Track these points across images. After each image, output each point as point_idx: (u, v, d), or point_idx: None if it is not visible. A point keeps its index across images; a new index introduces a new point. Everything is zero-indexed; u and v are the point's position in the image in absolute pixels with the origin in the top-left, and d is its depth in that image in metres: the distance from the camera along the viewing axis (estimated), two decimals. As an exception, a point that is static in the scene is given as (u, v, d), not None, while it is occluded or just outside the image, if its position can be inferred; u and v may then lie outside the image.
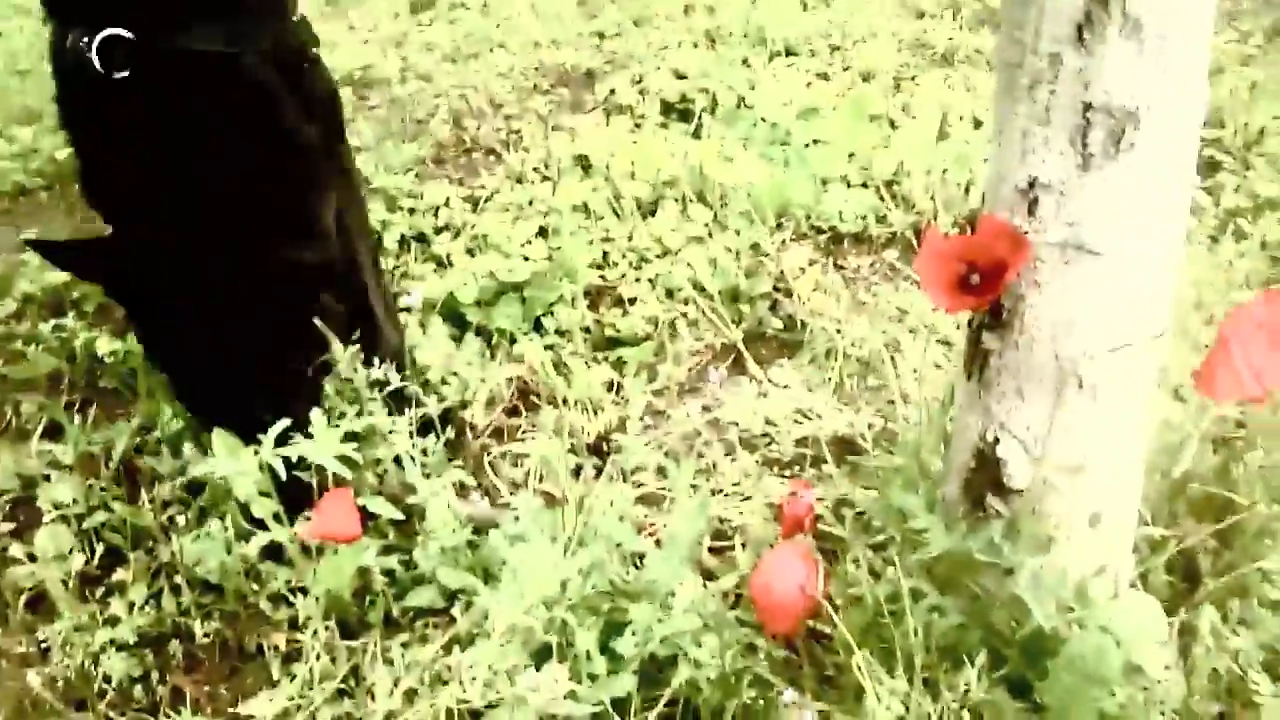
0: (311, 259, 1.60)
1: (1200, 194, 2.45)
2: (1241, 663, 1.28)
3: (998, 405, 1.20)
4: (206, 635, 1.60)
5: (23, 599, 1.66)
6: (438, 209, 2.53)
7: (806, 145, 2.60)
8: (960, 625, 1.26)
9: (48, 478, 1.86)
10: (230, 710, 1.50)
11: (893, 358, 1.85)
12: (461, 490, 1.71)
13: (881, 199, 2.43)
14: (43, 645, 1.61)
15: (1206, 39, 1.05)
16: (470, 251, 2.37)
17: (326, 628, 1.47)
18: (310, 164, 1.58)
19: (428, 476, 1.58)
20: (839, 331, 1.96)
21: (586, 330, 2.11)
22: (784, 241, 2.29)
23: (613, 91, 2.99)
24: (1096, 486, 1.20)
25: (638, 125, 2.83)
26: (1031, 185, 1.09)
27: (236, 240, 1.50)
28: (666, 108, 2.89)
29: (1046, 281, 1.12)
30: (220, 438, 1.60)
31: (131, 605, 1.64)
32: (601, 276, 2.24)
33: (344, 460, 1.47)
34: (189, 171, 1.45)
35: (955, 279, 1.12)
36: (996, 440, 1.21)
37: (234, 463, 1.50)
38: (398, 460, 1.58)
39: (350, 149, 1.78)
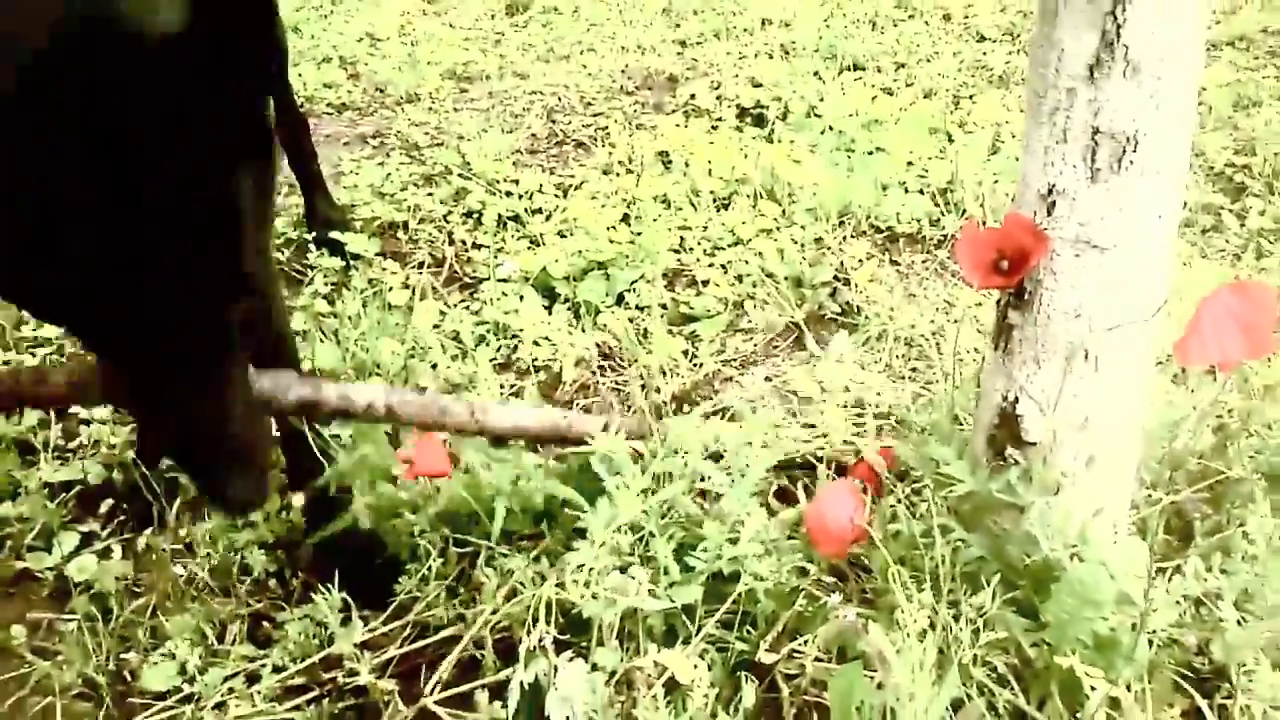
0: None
1: (1228, 215, 2.67)
2: (1217, 601, 1.51)
3: (1019, 371, 1.45)
4: (332, 543, 1.87)
5: (177, 503, 1.94)
6: (532, 194, 2.81)
7: (869, 153, 2.84)
8: (980, 557, 1.50)
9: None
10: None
11: (938, 343, 2.10)
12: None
13: (936, 204, 2.67)
14: (188, 544, 1.90)
15: (1195, 79, 1.30)
16: (561, 233, 2.64)
17: (441, 536, 1.74)
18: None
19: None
20: (891, 318, 2.21)
21: (664, 307, 2.37)
22: (845, 237, 2.54)
23: (693, 96, 3.25)
24: (1097, 441, 1.44)
25: (715, 127, 3.08)
26: (1050, 191, 1.35)
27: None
28: (742, 112, 3.14)
29: (1061, 270, 1.37)
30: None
31: (267, 514, 1.93)
32: (679, 260, 2.50)
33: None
34: None
35: (988, 263, 1.38)
36: (1017, 400, 1.46)
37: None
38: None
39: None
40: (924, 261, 2.49)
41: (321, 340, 2.24)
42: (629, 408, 1.95)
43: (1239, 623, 1.44)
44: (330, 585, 1.63)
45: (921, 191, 2.72)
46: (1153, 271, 1.38)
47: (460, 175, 2.89)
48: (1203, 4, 1.32)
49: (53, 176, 1.04)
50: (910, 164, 2.79)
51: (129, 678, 1.61)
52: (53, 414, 2.13)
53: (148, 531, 1.90)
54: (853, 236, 2.57)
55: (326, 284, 2.49)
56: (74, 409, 2.14)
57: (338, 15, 3.86)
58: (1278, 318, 1.31)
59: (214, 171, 1.13)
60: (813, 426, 1.89)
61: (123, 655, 1.65)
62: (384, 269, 2.55)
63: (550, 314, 2.38)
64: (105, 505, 1.95)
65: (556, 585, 1.56)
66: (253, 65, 1.12)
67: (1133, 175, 1.32)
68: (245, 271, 1.18)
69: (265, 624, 1.70)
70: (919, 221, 2.61)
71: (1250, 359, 1.39)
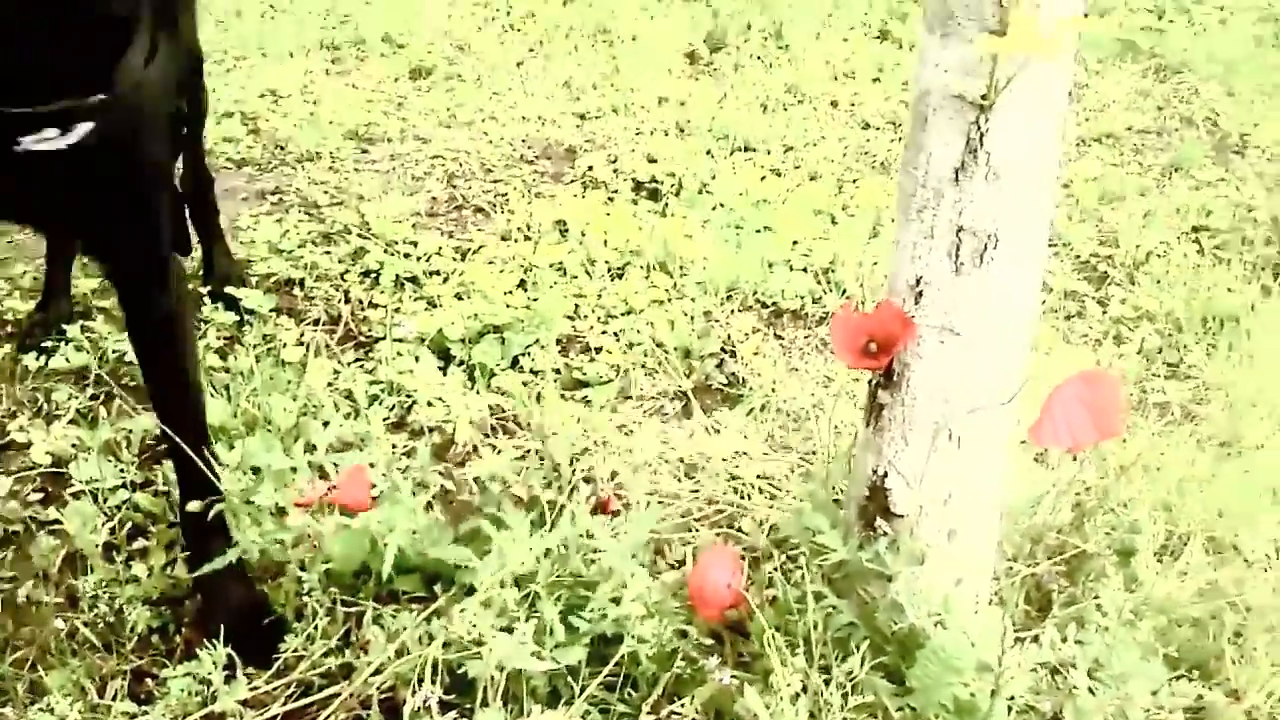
0: None
1: (1091, 303, 2.85)
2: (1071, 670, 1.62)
3: (888, 447, 1.55)
4: (217, 599, 1.87)
5: (59, 556, 1.92)
6: (430, 256, 2.86)
7: (758, 231, 2.97)
8: (851, 623, 1.59)
9: (74, 458, 2.14)
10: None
11: (817, 416, 2.20)
12: (445, 495, 2.02)
13: (819, 283, 2.80)
14: (73, 597, 1.88)
15: (1052, 181, 1.44)
16: (458, 295, 2.69)
17: (328, 593, 1.76)
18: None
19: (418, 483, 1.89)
20: (774, 390, 2.31)
21: (557, 371, 2.43)
22: (733, 311, 2.64)
23: (591, 168, 3.35)
24: (960, 515, 1.55)
25: (611, 199, 3.18)
26: (918, 282, 1.46)
27: None
28: (637, 186, 3.25)
29: (926, 354, 1.48)
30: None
31: (151, 569, 1.92)
32: (573, 327, 2.58)
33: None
34: None
35: (859, 346, 1.48)
36: (886, 475, 1.56)
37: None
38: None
39: None
40: (806, 337, 2.61)
41: (213, 395, 2.24)
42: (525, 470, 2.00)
43: (1090, 690, 1.54)
44: (215, 641, 1.64)
45: (805, 270, 2.85)
46: (1012, 357, 1.50)
47: (359, 235, 2.93)
48: (1058, 115, 1.46)
49: None
50: (795, 243, 2.91)
51: (4, 734, 1.59)
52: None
53: (29, 583, 1.88)
54: (740, 310, 2.68)
55: (220, 339, 2.50)
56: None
57: (240, 70, 3.88)
58: (1123, 404, 1.44)
59: None
60: (696, 492, 1.97)
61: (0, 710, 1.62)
62: (279, 325, 2.57)
63: (445, 375, 2.42)
64: (-17, 556, 1.92)
65: (443, 645, 1.60)
66: None
67: (993, 269, 1.44)
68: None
69: (148, 680, 1.70)
70: (802, 299, 2.73)
71: (1098, 442, 1.52)
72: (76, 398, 2.31)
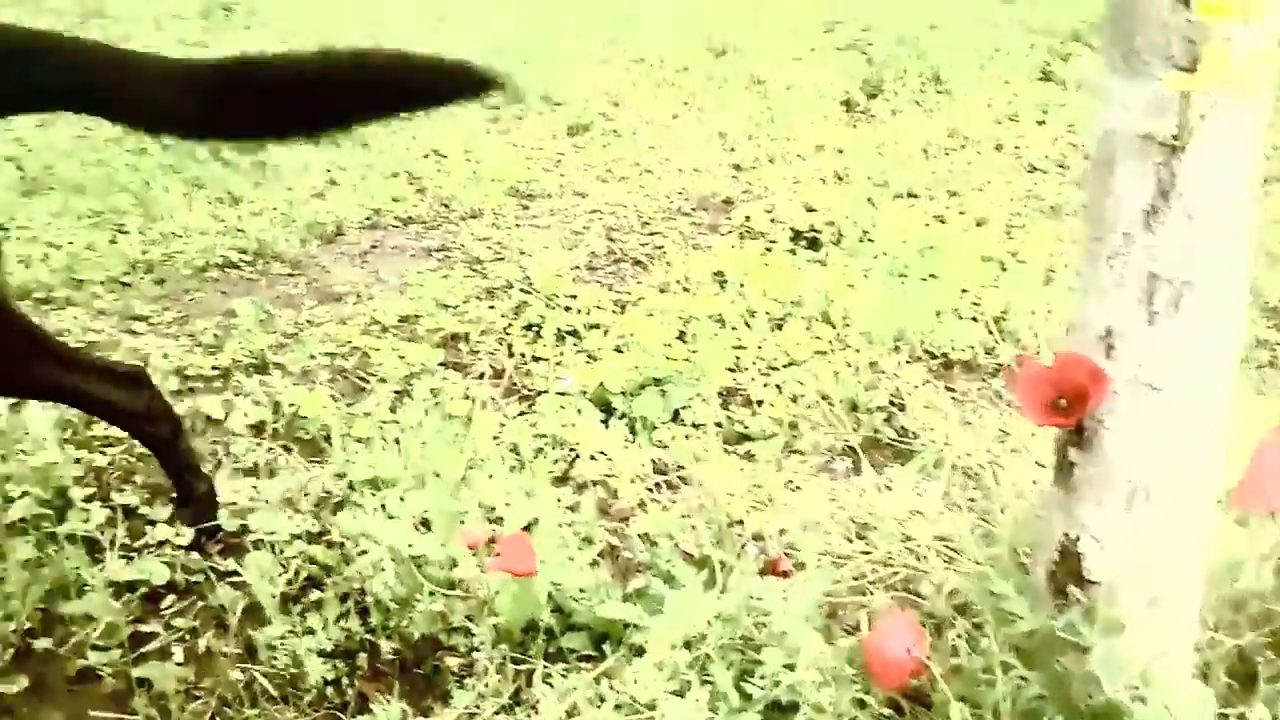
0: None
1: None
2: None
3: (1080, 509, 1.46)
4: (390, 653, 1.89)
5: (239, 608, 1.97)
6: (590, 309, 2.88)
7: (923, 279, 2.89)
8: (1041, 695, 1.50)
9: (253, 509, 2.21)
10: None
11: (994, 473, 2.11)
12: (611, 550, 2.00)
13: (990, 333, 2.70)
14: (251, 648, 1.93)
15: (1249, 222, 1.35)
16: (618, 349, 2.69)
17: (498, 649, 1.75)
18: None
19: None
20: (947, 445, 2.22)
21: (719, 425, 2.40)
22: (900, 362, 2.57)
23: (748, 218, 3.33)
24: (1160, 581, 1.45)
25: (769, 249, 3.15)
26: (1108, 333, 1.39)
27: None
28: (796, 235, 3.22)
29: (1120, 410, 1.39)
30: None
31: (326, 621, 1.95)
32: (734, 379, 2.55)
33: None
34: None
35: (1047, 402, 1.40)
36: (1078, 538, 1.47)
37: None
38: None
39: None
40: (979, 389, 2.52)
41: (384, 447, 2.29)
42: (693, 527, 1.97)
43: (1303, 773, 1.42)
44: (389, 695, 1.65)
45: (975, 319, 2.76)
46: (1212, 412, 1.40)
47: (521, 289, 2.97)
48: (1255, 152, 1.37)
49: None
50: (964, 291, 2.83)
51: (187, 783, 1.63)
52: (120, 513, 2.18)
53: (209, 633, 1.93)
54: (908, 362, 2.60)
55: (390, 393, 2.55)
56: (141, 508, 2.20)
57: (405, 131, 4.01)
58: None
59: None
60: (869, 553, 1.90)
61: (182, 759, 1.66)
62: (445, 379, 2.61)
63: (607, 428, 2.41)
64: (168, 605, 1.99)
65: (614, 707, 1.58)
66: None
67: (1190, 317, 1.35)
68: None
69: (324, 732, 1.72)
70: (973, 349, 2.64)
71: (1309, 504, 1.40)
72: (254, 450, 2.38)
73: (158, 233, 3.32)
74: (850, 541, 1.96)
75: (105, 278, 3.07)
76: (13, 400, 2.53)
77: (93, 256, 3.14)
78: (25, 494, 2.19)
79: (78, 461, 2.31)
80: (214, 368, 2.66)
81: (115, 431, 2.43)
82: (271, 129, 1.84)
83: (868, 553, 1.91)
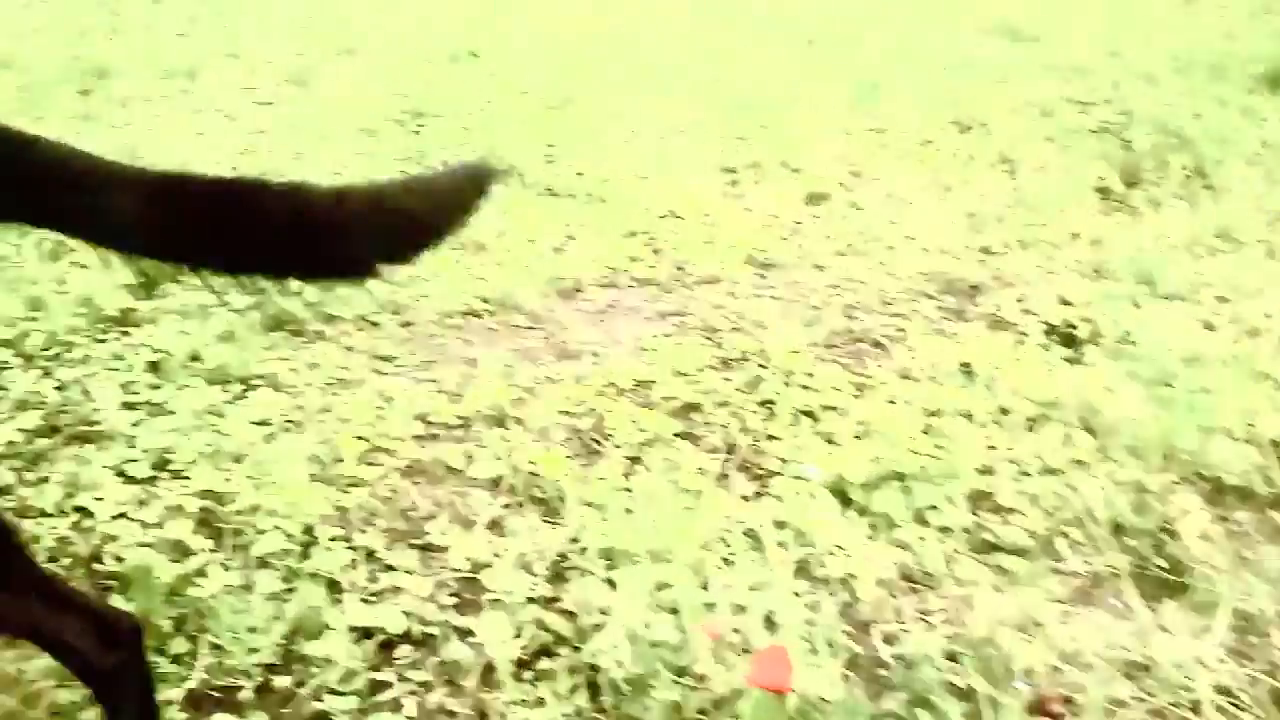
0: None
1: None
2: None
3: None
4: (619, 735, 1.85)
5: (477, 670, 1.96)
6: (827, 390, 2.79)
7: (1191, 391, 2.69)
8: None
9: (489, 565, 2.21)
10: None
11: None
12: (854, 659, 1.91)
13: (1266, 458, 2.48)
14: (482, 711, 1.91)
15: None
16: (857, 435, 2.60)
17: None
18: None
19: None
20: (1225, 583, 2.04)
21: (967, 531, 2.28)
22: (1170, 483, 2.39)
23: (998, 307, 3.19)
24: None
25: (1020, 342, 3.00)
26: None
27: None
28: (1050, 329, 3.06)
29: None
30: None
31: (557, 693, 1.92)
32: (986, 483, 2.41)
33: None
34: None
35: None
36: None
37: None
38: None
39: None
40: (1258, 521, 2.31)
41: (617, 515, 2.27)
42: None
43: None
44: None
45: (1249, 441, 2.54)
46: None
47: (757, 363, 2.92)
48: None
49: None
50: (1239, 410, 2.61)
51: None
52: (362, 554, 2.23)
53: (442, 690, 1.93)
54: (1176, 483, 2.41)
55: (624, 459, 2.53)
56: (380, 552, 2.23)
57: (643, 189, 4.02)
58: None
59: None
60: (1143, 700, 1.75)
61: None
62: (678, 449, 2.58)
63: (844, 518, 2.33)
64: (401, 655, 2.00)
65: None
66: None
67: None
68: None
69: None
70: (1249, 475, 2.43)
71: None
72: (491, 504, 2.40)
73: (405, 275, 3.42)
74: (1119, 684, 1.80)
75: (354, 315, 3.18)
76: (268, 430, 2.64)
77: (344, 294, 3.26)
78: (276, 528, 2.27)
79: (325, 499, 2.37)
80: (457, 416, 2.70)
81: (362, 471, 2.50)
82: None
83: (1141, 700, 1.76)
